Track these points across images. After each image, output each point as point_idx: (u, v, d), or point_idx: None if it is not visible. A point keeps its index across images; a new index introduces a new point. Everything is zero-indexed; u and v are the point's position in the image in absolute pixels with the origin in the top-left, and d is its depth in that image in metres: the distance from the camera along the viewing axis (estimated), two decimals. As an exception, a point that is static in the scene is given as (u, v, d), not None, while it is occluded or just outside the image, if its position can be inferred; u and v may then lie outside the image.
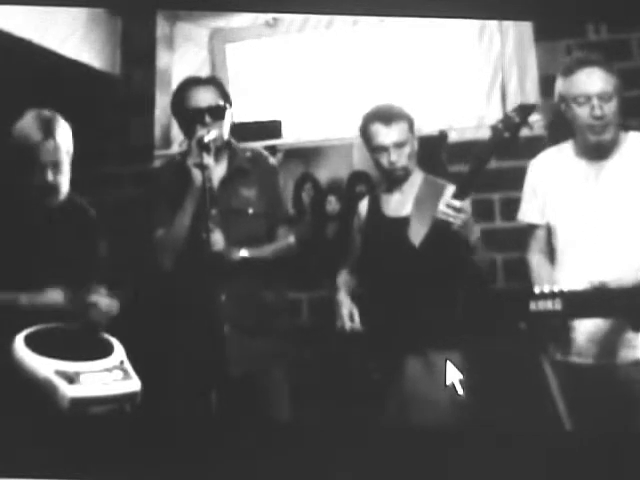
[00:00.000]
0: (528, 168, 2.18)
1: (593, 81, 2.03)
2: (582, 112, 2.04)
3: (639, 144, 2.07)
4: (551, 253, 2.14)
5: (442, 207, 2.03)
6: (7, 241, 2.10)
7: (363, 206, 2.32)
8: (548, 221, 2.13)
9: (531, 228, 2.17)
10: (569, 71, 2.06)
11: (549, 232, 2.13)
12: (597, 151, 2.06)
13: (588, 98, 2.02)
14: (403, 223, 2.18)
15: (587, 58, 2.08)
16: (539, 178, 2.15)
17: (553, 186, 2.12)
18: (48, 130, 2.12)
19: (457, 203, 2.02)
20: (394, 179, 2.23)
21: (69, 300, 2.11)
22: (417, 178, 2.24)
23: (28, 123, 2.13)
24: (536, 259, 2.16)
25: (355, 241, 2.33)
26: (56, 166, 2.13)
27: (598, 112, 2.02)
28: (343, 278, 2.32)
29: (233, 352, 2.11)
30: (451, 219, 2.02)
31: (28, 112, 2.15)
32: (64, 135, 2.15)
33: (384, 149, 2.18)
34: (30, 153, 2.10)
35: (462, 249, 2.06)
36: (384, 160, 2.19)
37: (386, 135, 2.18)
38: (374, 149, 2.21)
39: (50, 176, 2.12)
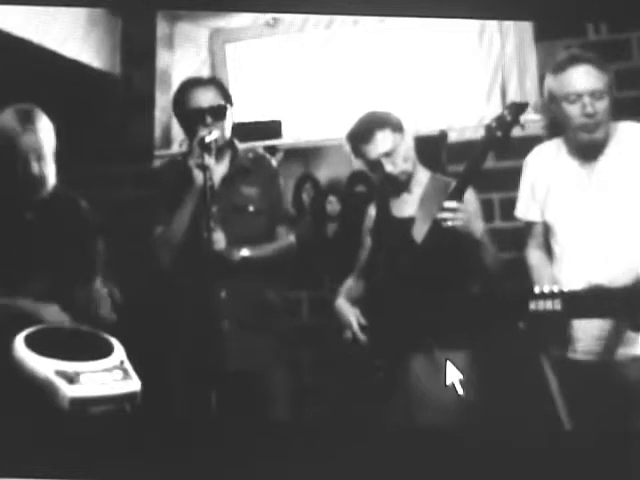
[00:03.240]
0: (524, 164, 2.18)
1: (584, 79, 2.01)
2: (573, 110, 2.02)
3: (630, 135, 2.06)
4: (549, 250, 2.14)
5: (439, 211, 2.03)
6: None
7: (372, 209, 2.32)
8: (546, 219, 2.13)
9: (529, 225, 2.17)
10: (560, 69, 2.04)
11: (547, 230, 2.13)
12: (589, 149, 2.06)
13: (579, 96, 2.01)
14: (409, 222, 2.18)
15: (578, 56, 2.05)
16: (535, 175, 2.15)
17: (549, 184, 2.12)
18: (27, 120, 2.12)
19: (452, 204, 2.01)
20: (399, 184, 2.22)
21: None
22: (423, 177, 2.24)
23: (7, 116, 2.14)
24: (534, 256, 2.16)
25: (364, 245, 2.32)
26: (39, 156, 2.13)
27: (590, 110, 2.00)
28: (348, 284, 2.31)
29: (233, 350, 2.12)
30: (450, 222, 2.01)
31: (7, 108, 2.15)
32: (45, 127, 2.15)
33: (377, 163, 2.18)
34: (10, 144, 2.11)
35: (466, 245, 2.06)
36: (380, 172, 2.19)
37: (372, 151, 2.16)
38: (368, 165, 2.21)
39: (35, 167, 2.12)
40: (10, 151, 2.11)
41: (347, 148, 2.24)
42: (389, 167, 2.17)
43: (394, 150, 2.16)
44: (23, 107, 2.16)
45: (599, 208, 2.04)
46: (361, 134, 2.18)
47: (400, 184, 2.21)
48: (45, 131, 2.15)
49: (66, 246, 2.17)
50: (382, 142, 2.15)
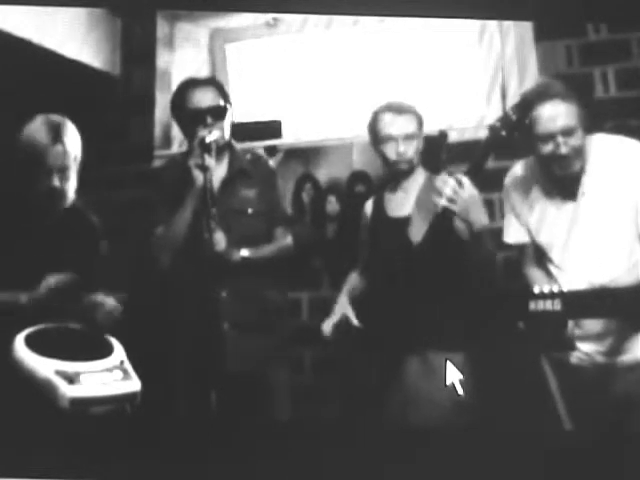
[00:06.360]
0: (503, 187, 2.18)
1: (556, 117, 1.99)
2: (547, 149, 2.01)
3: (604, 149, 2.04)
4: (545, 266, 2.13)
5: (438, 182, 2.04)
6: (9, 244, 2.10)
7: (368, 207, 2.33)
8: (536, 241, 2.12)
9: (520, 248, 2.16)
10: (528, 107, 2.01)
11: (539, 250, 2.12)
12: (565, 180, 2.04)
13: (552, 136, 2.00)
14: (404, 222, 2.18)
15: (547, 91, 2.03)
16: (515, 199, 2.15)
17: (531, 206, 2.11)
18: (57, 135, 2.11)
19: (454, 186, 2.01)
20: (399, 174, 2.23)
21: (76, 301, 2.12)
22: (420, 177, 2.25)
23: (37, 127, 2.12)
24: (532, 274, 2.15)
25: (363, 242, 2.33)
26: (63, 171, 2.12)
27: (564, 151, 1.99)
28: (352, 279, 2.32)
29: (233, 351, 2.12)
30: (447, 203, 2.01)
31: (37, 117, 2.14)
32: (73, 141, 2.15)
33: (393, 139, 2.19)
34: (37, 157, 2.10)
35: (464, 238, 2.05)
36: (391, 150, 2.20)
37: (397, 125, 2.20)
38: (383, 139, 2.21)
39: (56, 181, 2.12)
40: (35, 163, 2.10)
41: (369, 121, 2.25)
42: (402, 147, 2.19)
43: (414, 137, 2.21)
44: (54, 119, 2.14)
45: (587, 221, 2.03)
46: (395, 107, 2.22)
47: (401, 175, 2.23)
48: (72, 146, 2.14)
49: (72, 260, 2.16)
50: (409, 122, 2.21)
